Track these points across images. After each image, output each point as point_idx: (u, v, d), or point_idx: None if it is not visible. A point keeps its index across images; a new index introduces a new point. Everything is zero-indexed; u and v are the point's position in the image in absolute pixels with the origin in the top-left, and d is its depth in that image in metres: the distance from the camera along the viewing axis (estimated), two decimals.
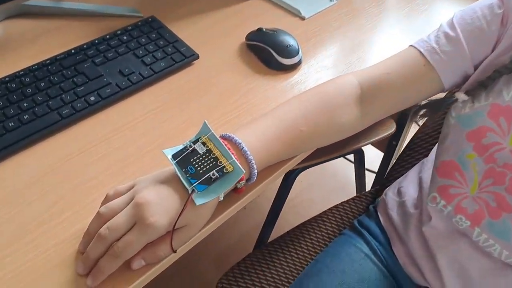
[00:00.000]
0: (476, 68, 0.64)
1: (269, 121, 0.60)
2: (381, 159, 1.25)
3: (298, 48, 0.77)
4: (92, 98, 0.67)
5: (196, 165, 0.52)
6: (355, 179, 1.09)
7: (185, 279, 1.30)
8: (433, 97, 0.67)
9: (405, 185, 0.82)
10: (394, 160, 1.25)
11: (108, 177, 0.60)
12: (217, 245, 1.37)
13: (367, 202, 0.95)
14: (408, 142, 0.94)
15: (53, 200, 0.57)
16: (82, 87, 0.68)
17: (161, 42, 0.76)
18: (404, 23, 0.89)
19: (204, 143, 0.53)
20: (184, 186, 0.51)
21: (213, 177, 0.51)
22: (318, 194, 1.60)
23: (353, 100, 0.63)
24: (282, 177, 0.93)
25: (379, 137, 0.87)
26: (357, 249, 0.80)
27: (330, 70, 0.77)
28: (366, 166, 1.15)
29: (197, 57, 0.76)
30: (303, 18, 0.87)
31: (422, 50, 0.64)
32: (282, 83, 0.74)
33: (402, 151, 0.95)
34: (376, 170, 1.27)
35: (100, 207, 0.52)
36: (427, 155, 0.89)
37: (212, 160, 0.52)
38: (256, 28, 0.79)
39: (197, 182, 0.51)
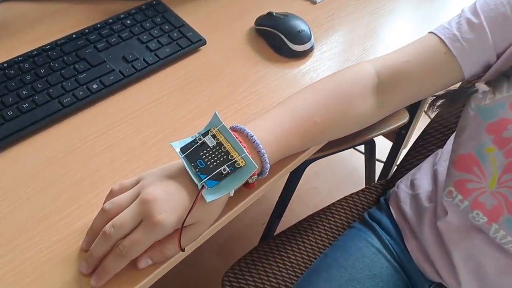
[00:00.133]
0: (498, 57, 0.61)
1: (282, 112, 0.57)
2: (390, 148, 1.23)
3: (310, 34, 0.73)
4: (95, 86, 0.64)
5: (206, 159, 0.49)
6: (365, 170, 1.06)
7: (188, 269, 1.28)
8: (451, 87, 0.64)
9: (419, 178, 0.79)
10: (403, 150, 1.23)
11: (112, 170, 0.57)
12: (220, 234, 1.34)
13: (377, 194, 0.92)
14: (421, 133, 0.91)
15: (55, 195, 0.54)
16: (84, 74, 0.65)
17: (166, 27, 0.73)
18: (421, 6, 0.85)
19: (214, 136, 0.50)
20: (193, 181, 0.48)
21: (224, 172, 0.48)
22: (323, 183, 1.58)
23: (370, 90, 0.60)
24: None
25: (392, 127, 0.84)
26: (368, 244, 0.78)
27: (343, 57, 0.74)
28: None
29: (204, 42, 0.73)
30: (314, 2, 0.83)
31: (443, 37, 0.61)
32: (293, 71, 0.71)
33: (415, 142, 0.92)
34: (383, 159, 1.24)
35: (104, 202, 0.50)
36: (440, 146, 0.86)
37: (223, 154, 0.49)
38: (266, 12, 0.76)
39: (207, 178, 0.48)
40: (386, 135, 1.43)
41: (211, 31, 0.75)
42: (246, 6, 0.81)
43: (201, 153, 0.49)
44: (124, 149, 0.59)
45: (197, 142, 0.50)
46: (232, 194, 0.51)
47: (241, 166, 0.49)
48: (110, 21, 0.73)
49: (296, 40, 0.72)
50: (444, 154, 0.78)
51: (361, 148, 1.57)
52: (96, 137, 0.60)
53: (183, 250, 0.49)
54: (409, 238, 0.76)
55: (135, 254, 0.47)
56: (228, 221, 0.55)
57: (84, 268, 0.48)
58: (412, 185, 0.80)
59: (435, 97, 0.64)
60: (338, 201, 0.91)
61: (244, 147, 0.50)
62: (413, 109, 1.07)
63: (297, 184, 0.93)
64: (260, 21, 0.76)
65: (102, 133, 0.61)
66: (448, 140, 0.79)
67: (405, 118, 0.84)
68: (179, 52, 0.70)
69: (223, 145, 0.50)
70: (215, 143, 0.50)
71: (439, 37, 0.61)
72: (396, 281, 0.75)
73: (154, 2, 0.76)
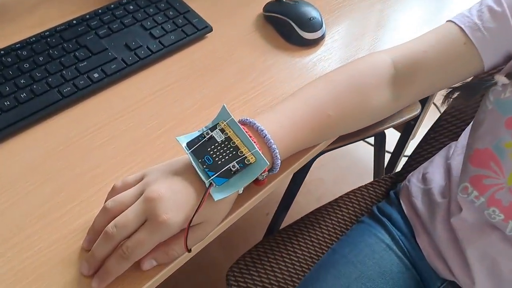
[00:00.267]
0: None
1: (294, 104, 0.54)
2: (397, 139, 1.20)
3: (322, 21, 0.70)
4: (96, 75, 0.61)
5: (214, 155, 0.46)
6: (374, 163, 1.04)
7: (191, 261, 1.26)
8: (468, 79, 0.62)
9: (431, 172, 0.77)
10: (410, 141, 1.20)
11: (114, 164, 0.55)
12: None
13: (386, 187, 0.90)
14: (433, 124, 0.88)
15: (54, 190, 0.52)
16: (85, 62, 0.63)
17: (171, 13, 0.70)
18: None
19: (222, 130, 0.48)
20: (201, 178, 0.45)
21: (233, 169, 0.45)
22: (328, 174, 1.55)
23: (386, 81, 0.57)
24: None
25: (404, 119, 0.81)
26: (377, 239, 0.76)
27: (356, 46, 0.71)
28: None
29: (211, 29, 0.70)
30: None
31: (463, 26, 0.58)
32: (303, 60, 0.68)
33: (426, 134, 0.89)
34: (390, 150, 1.22)
35: (106, 200, 0.48)
36: (453, 139, 0.84)
37: (232, 149, 0.46)
38: None
39: (216, 175, 0.45)
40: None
41: (218, 17, 0.72)
42: None
43: (209, 149, 0.47)
44: (127, 142, 0.57)
45: (205, 137, 0.47)
46: (241, 192, 0.48)
47: (251, 163, 0.46)
48: (112, 6, 0.70)
49: (306, 27, 0.69)
50: (458, 148, 0.75)
51: (369, 139, 1.54)
52: (98, 129, 0.58)
53: (189, 250, 0.47)
54: (420, 234, 0.74)
55: (139, 256, 0.44)
56: (236, 219, 0.53)
57: (85, 270, 0.45)
58: (424, 179, 0.77)
59: (451, 89, 0.62)
60: (346, 194, 0.88)
61: (254, 142, 0.47)
62: (423, 99, 1.04)
63: (305, 176, 0.90)
64: (268, 7, 0.73)
65: (103, 124, 0.58)
66: (463, 134, 0.76)
67: (417, 110, 0.81)
68: (184, 40, 0.68)
69: (232, 140, 0.47)
70: (224, 138, 0.47)
71: (459, 26, 0.59)
72: (406, 278, 0.73)
73: None
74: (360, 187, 0.90)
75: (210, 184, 0.45)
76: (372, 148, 1.56)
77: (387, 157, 1.23)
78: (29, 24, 0.68)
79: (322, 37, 0.71)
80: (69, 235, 0.49)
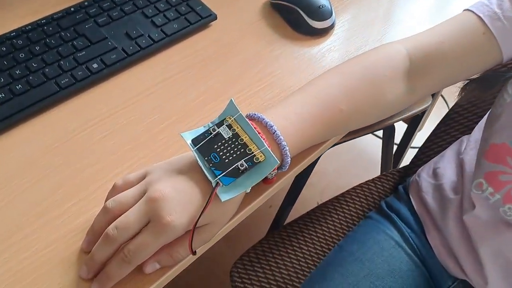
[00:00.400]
0: None
1: (304, 98, 0.51)
2: (404, 131, 1.17)
3: (331, 9, 0.67)
4: (95, 66, 0.59)
5: (221, 153, 0.43)
6: (382, 156, 1.01)
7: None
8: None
9: (442, 167, 0.74)
10: (418, 132, 1.18)
11: (115, 160, 0.52)
12: None
13: (394, 181, 0.88)
14: (443, 117, 0.85)
15: (51, 188, 0.49)
16: (83, 52, 0.60)
17: (173, 0, 0.67)
18: None
19: (230, 126, 0.45)
20: (207, 178, 0.43)
21: (242, 168, 0.43)
22: (331, 165, 1.53)
23: (401, 73, 0.54)
24: None
25: (414, 111, 0.79)
26: (386, 236, 0.74)
27: (367, 36, 0.68)
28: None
29: (215, 17, 0.67)
30: None
31: (482, 15, 0.56)
32: (312, 50, 0.66)
33: (436, 127, 0.86)
34: (396, 141, 1.19)
35: (106, 199, 0.45)
36: (464, 132, 0.81)
37: (240, 147, 0.44)
38: None
39: (223, 174, 0.42)
40: None
41: (222, 5, 0.69)
42: None
43: (215, 146, 0.44)
44: (128, 136, 0.54)
45: (211, 133, 0.44)
46: (248, 191, 0.46)
47: (260, 161, 0.43)
48: None
49: (316, 16, 0.66)
50: (471, 142, 0.72)
51: (376, 131, 1.51)
52: (97, 122, 0.55)
53: (194, 253, 0.44)
54: (431, 231, 0.72)
55: (142, 259, 0.42)
56: (243, 219, 0.50)
57: (84, 273, 0.43)
58: (435, 174, 0.75)
59: (467, 81, 0.59)
60: (352, 188, 0.86)
61: (263, 139, 0.44)
62: None
63: (312, 170, 0.88)
64: None
65: (103, 118, 0.56)
66: (476, 127, 0.74)
67: (428, 102, 0.79)
68: (187, 28, 0.65)
69: (240, 136, 0.44)
70: (231, 134, 0.44)
71: (477, 15, 0.56)
72: (416, 276, 0.71)
73: None
74: (367, 181, 0.87)
75: (217, 183, 0.42)
76: (377, 139, 1.54)
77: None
78: (22, 12, 0.65)
79: (331, 26, 0.68)
80: (68, 235, 0.46)
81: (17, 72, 0.56)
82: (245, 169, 0.43)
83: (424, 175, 0.77)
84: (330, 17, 0.67)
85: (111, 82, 0.59)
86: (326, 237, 0.80)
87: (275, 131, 0.46)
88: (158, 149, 0.53)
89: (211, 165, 0.43)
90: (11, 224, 0.47)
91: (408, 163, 0.90)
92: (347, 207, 0.84)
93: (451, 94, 0.86)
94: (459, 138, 0.79)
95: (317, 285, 0.71)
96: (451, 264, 0.69)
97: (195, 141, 0.44)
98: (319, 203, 1.34)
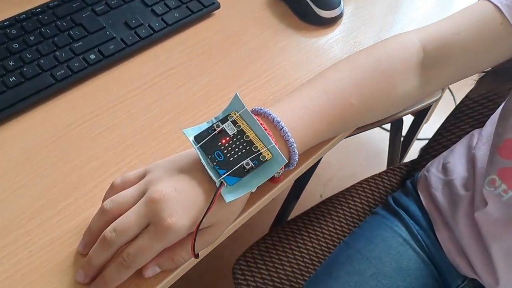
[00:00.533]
0: None
1: (312, 92, 0.48)
2: (410, 123, 1.15)
3: None
4: (92, 57, 0.57)
5: (226, 151, 0.41)
6: (389, 150, 0.98)
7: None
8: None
9: (452, 162, 0.72)
10: (425, 123, 1.15)
11: (113, 156, 0.50)
12: None
13: (401, 176, 0.85)
14: (453, 110, 0.83)
15: (46, 186, 0.47)
16: (80, 42, 0.58)
17: None
18: None
19: (234, 122, 0.42)
20: (210, 177, 0.41)
21: (247, 167, 0.40)
22: (335, 157, 1.51)
23: (414, 65, 0.52)
24: None
25: (424, 103, 0.75)
26: (394, 233, 0.72)
27: (377, 25, 0.66)
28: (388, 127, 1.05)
29: (218, 6, 0.65)
30: None
31: (499, 5, 0.53)
32: (320, 41, 0.63)
33: (445, 120, 0.84)
34: (403, 134, 1.17)
35: (103, 199, 0.43)
36: (475, 126, 0.79)
37: (245, 144, 0.41)
38: None
39: (227, 173, 0.40)
40: None
41: None
42: None
43: (220, 143, 0.41)
44: (127, 132, 0.52)
45: (215, 130, 0.42)
46: (254, 190, 0.43)
47: (267, 160, 0.41)
48: None
49: (323, 4, 0.63)
50: (483, 136, 0.70)
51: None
52: (94, 117, 0.53)
53: (196, 256, 0.42)
54: (440, 228, 0.70)
55: (142, 264, 0.40)
56: (247, 219, 0.48)
57: (80, 277, 0.41)
58: (445, 169, 0.72)
59: (483, 74, 0.57)
60: (358, 183, 0.84)
61: (270, 135, 0.42)
62: None
63: (318, 163, 0.85)
64: None
65: (101, 112, 0.53)
66: (488, 121, 0.71)
67: (438, 94, 0.76)
68: (189, 17, 0.63)
69: (245, 133, 0.42)
70: (236, 131, 0.42)
71: (494, 4, 0.54)
72: (425, 275, 0.69)
73: None
74: (374, 175, 0.85)
75: (221, 183, 0.40)
76: (382, 131, 1.51)
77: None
78: (15, 0, 0.62)
79: (340, 16, 0.65)
80: (64, 237, 0.44)
81: (11, 64, 0.54)
82: (251, 168, 0.40)
83: (433, 170, 0.74)
84: (338, 6, 0.64)
85: (109, 74, 0.57)
86: (331, 233, 0.78)
87: (283, 127, 0.43)
88: (158, 145, 0.51)
89: (214, 163, 0.41)
90: (2, 225, 0.44)
91: (413, 155, 0.87)
92: (352, 202, 0.82)
93: (458, 86, 0.84)
94: (469, 132, 0.77)
95: (322, 283, 0.69)
96: (461, 263, 0.67)
97: (198, 138, 0.42)
98: (322, 195, 1.32)
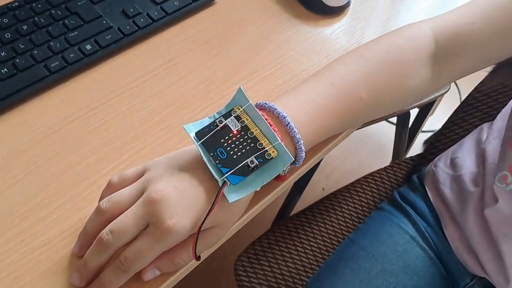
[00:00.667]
0: None
1: (319, 85, 0.46)
2: (415, 115, 1.13)
3: None
4: (88, 47, 0.54)
5: (229, 148, 0.39)
6: (394, 144, 0.96)
7: None
8: None
9: (461, 156, 0.70)
10: (431, 115, 1.13)
11: (110, 152, 0.48)
12: None
13: (407, 170, 0.83)
14: (461, 103, 0.81)
15: (40, 183, 0.45)
16: (76, 32, 0.55)
17: None
18: None
19: (238, 118, 0.40)
20: (213, 176, 0.38)
21: (252, 165, 0.38)
22: (337, 148, 1.48)
23: (426, 57, 0.49)
24: None
25: (433, 96, 0.73)
26: (401, 230, 0.70)
27: (386, 15, 0.63)
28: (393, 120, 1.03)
29: None
30: None
31: None
32: (326, 31, 0.61)
33: (453, 113, 0.82)
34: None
35: (100, 198, 0.41)
36: (484, 120, 0.77)
37: (249, 141, 0.39)
38: None
39: (230, 172, 0.38)
40: None
41: None
42: None
43: (222, 140, 0.39)
44: (125, 126, 0.50)
45: (217, 126, 0.40)
46: (258, 189, 0.41)
47: (272, 157, 0.39)
48: None
49: None
50: (494, 131, 0.68)
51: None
52: (90, 110, 0.51)
53: (198, 258, 0.40)
54: (449, 225, 0.68)
55: (140, 267, 0.38)
56: (250, 218, 0.46)
57: (76, 281, 0.39)
58: (453, 164, 0.70)
59: (497, 66, 0.54)
60: (363, 177, 0.82)
61: (276, 132, 0.40)
62: None
63: (323, 157, 0.84)
64: None
65: (97, 105, 0.51)
66: (499, 115, 0.69)
67: (447, 87, 0.73)
68: (190, 6, 0.60)
69: (249, 129, 0.39)
70: (240, 127, 0.40)
71: None
72: (432, 273, 0.68)
73: None
74: (379, 169, 0.83)
75: (224, 182, 0.38)
76: (386, 124, 1.49)
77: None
78: None
79: (347, 4, 0.63)
80: (59, 237, 0.42)
81: (2, 54, 0.52)
82: (256, 166, 0.38)
83: (441, 165, 0.72)
84: None
85: (106, 66, 0.55)
86: (336, 229, 0.77)
87: (289, 122, 0.41)
88: (157, 140, 0.49)
89: (217, 161, 0.38)
90: None
91: (417, 147, 0.85)
92: (357, 197, 0.80)
93: (463, 78, 0.82)
94: (477, 125, 0.75)
95: (326, 280, 0.68)
96: (470, 261, 0.66)
97: (199, 135, 0.40)
98: (325, 188, 1.30)
